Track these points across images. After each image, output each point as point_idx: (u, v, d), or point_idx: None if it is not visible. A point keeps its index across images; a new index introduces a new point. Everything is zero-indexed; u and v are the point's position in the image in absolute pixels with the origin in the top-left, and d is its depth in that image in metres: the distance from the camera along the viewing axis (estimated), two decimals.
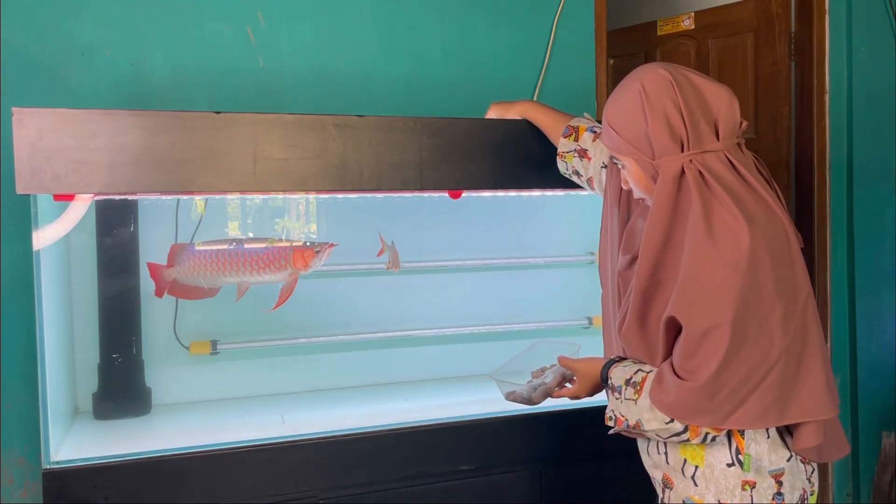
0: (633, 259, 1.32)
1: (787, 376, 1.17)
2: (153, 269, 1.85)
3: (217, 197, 1.94)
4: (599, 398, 1.40)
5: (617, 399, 1.29)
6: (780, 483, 1.23)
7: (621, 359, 1.34)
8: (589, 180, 1.63)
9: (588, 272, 2.36)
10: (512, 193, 2.02)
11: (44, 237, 1.62)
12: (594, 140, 1.60)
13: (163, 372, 2.01)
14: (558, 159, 1.69)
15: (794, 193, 2.92)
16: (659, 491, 1.34)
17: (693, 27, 3.27)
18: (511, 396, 1.53)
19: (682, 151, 1.21)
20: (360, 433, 1.74)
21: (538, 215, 2.30)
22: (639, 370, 1.28)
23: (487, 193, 2.00)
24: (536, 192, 1.99)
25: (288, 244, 1.87)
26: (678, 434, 1.22)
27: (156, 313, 1.99)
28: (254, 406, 2.00)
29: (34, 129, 1.46)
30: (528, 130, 1.77)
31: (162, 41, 2.03)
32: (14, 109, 1.46)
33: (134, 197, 1.82)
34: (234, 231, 2.04)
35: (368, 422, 1.80)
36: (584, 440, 1.86)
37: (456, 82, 2.29)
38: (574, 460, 1.89)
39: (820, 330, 1.23)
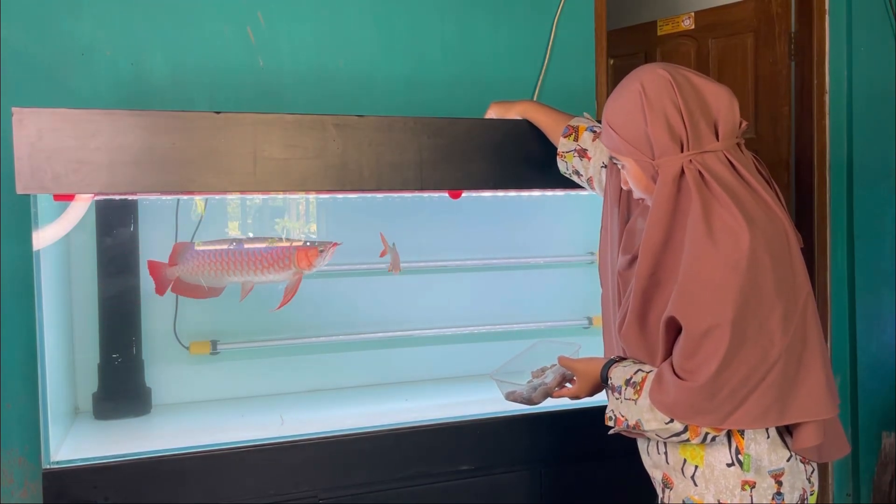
0: (633, 259, 1.32)
1: (787, 376, 1.18)
2: (154, 266, 1.85)
3: (217, 197, 1.94)
4: (599, 398, 1.40)
5: (617, 399, 1.29)
6: (779, 483, 1.23)
7: (621, 359, 1.34)
8: (589, 180, 1.63)
9: (588, 272, 2.36)
10: (512, 193, 2.02)
11: (44, 237, 1.62)
12: (594, 140, 1.60)
13: (163, 372, 2.01)
14: (558, 159, 1.69)
15: (794, 193, 2.92)
16: (659, 491, 1.34)
17: (693, 27, 3.27)
18: (511, 396, 1.53)
19: (682, 152, 1.21)
20: (360, 433, 1.74)
21: (538, 215, 2.30)
22: (639, 370, 1.28)
23: (487, 193, 2.00)
24: (536, 192, 1.99)
25: (292, 243, 1.87)
26: (678, 434, 1.22)
27: (156, 313, 1.99)
28: (254, 406, 2.00)
29: (34, 129, 1.46)
30: (528, 130, 1.77)
31: (162, 41, 2.03)
32: (14, 109, 1.46)
33: (134, 197, 1.82)
34: (234, 231, 2.04)
35: (368, 422, 1.80)
36: (584, 440, 1.86)
37: (456, 82, 2.29)
38: (574, 460, 1.89)
39: (820, 330, 1.23)
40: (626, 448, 1.44)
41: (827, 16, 2.76)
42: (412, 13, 2.25)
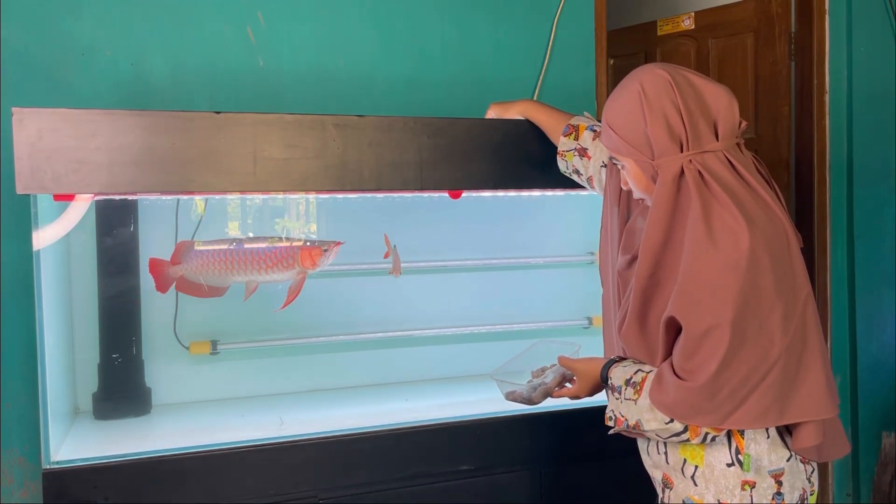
0: (633, 259, 1.32)
1: (787, 376, 1.18)
2: (156, 264, 1.84)
3: (217, 197, 1.94)
4: (599, 398, 1.40)
5: (617, 399, 1.29)
6: (779, 483, 1.23)
7: (621, 359, 1.34)
8: (589, 179, 1.63)
9: (588, 272, 2.36)
10: (512, 193, 2.02)
11: (44, 237, 1.62)
12: (594, 139, 1.60)
13: (163, 372, 2.01)
14: (559, 158, 1.69)
15: (794, 193, 2.92)
16: (659, 491, 1.34)
17: (693, 27, 3.27)
18: (511, 396, 1.53)
19: (682, 152, 1.21)
20: (360, 433, 1.74)
21: (538, 215, 2.30)
22: (639, 370, 1.28)
23: (487, 193, 2.00)
24: (536, 192, 1.99)
25: (296, 243, 1.87)
26: (678, 434, 1.22)
27: (156, 313, 1.99)
28: (254, 406, 2.00)
29: (34, 129, 1.46)
30: (528, 130, 1.77)
31: (162, 41, 2.03)
32: (14, 109, 1.46)
33: (134, 197, 1.82)
34: (234, 231, 2.04)
35: (368, 422, 1.80)
36: (584, 440, 1.86)
37: (456, 82, 2.29)
38: (574, 460, 1.89)
39: (820, 330, 1.23)
40: (626, 448, 1.44)
41: (827, 16, 2.76)
42: (412, 13, 2.25)
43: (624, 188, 1.36)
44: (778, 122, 2.96)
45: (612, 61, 3.21)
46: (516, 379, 1.55)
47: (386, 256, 2.00)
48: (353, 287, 2.17)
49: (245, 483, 1.64)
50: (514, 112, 1.79)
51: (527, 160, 1.78)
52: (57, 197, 1.58)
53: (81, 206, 1.69)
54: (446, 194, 1.86)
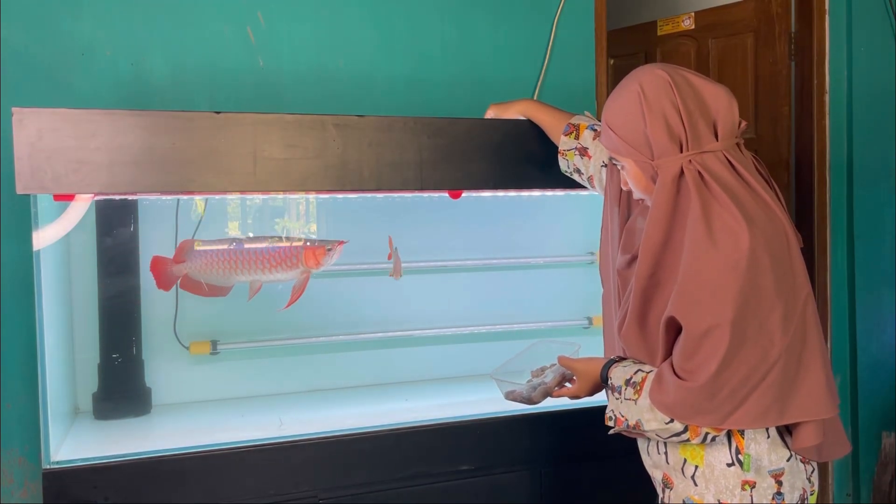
0: (633, 258, 1.32)
1: (787, 376, 1.18)
2: (159, 262, 1.84)
3: (217, 197, 1.94)
4: (599, 398, 1.40)
5: (617, 399, 1.29)
6: (779, 483, 1.23)
7: (621, 359, 1.34)
8: (589, 178, 1.63)
9: (588, 272, 2.36)
10: (512, 193, 2.02)
11: (44, 237, 1.62)
12: (594, 138, 1.60)
13: (163, 372, 2.01)
14: (559, 157, 1.69)
15: (794, 193, 2.92)
16: (659, 491, 1.34)
17: (693, 27, 3.27)
18: (511, 396, 1.53)
19: (681, 152, 1.21)
20: (360, 433, 1.74)
21: (538, 215, 2.30)
22: (639, 370, 1.28)
23: (487, 193, 2.00)
24: (536, 192, 1.99)
25: (296, 243, 1.87)
26: (678, 434, 1.22)
27: (156, 313, 1.99)
28: (254, 406, 2.00)
29: (34, 129, 1.46)
30: (528, 130, 1.77)
31: (162, 41, 2.03)
32: (14, 109, 1.46)
33: (134, 197, 1.82)
34: (234, 231, 2.04)
35: (368, 422, 1.80)
36: (584, 440, 1.86)
37: (456, 82, 2.29)
38: (574, 460, 1.89)
39: (820, 330, 1.23)
40: (626, 448, 1.44)
41: (827, 16, 2.76)
42: (412, 13, 2.25)
43: (624, 188, 1.36)
44: (778, 122, 2.96)
45: (612, 61, 3.21)
46: (516, 378, 1.55)
47: (390, 257, 2.00)
48: (353, 287, 2.17)
49: (245, 483, 1.64)
50: (514, 112, 1.79)
51: (527, 160, 1.78)
52: (57, 197, 1.58)
53: (81, 206, 1.69)
54: (446, 194, 1.86)
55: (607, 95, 1.57)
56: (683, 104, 1.21)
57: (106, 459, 1.58)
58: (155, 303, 1.97)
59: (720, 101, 1.23)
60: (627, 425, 1.27)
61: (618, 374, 1.30)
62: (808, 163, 2.82)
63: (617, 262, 1.39)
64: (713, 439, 1.21)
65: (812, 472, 1.28)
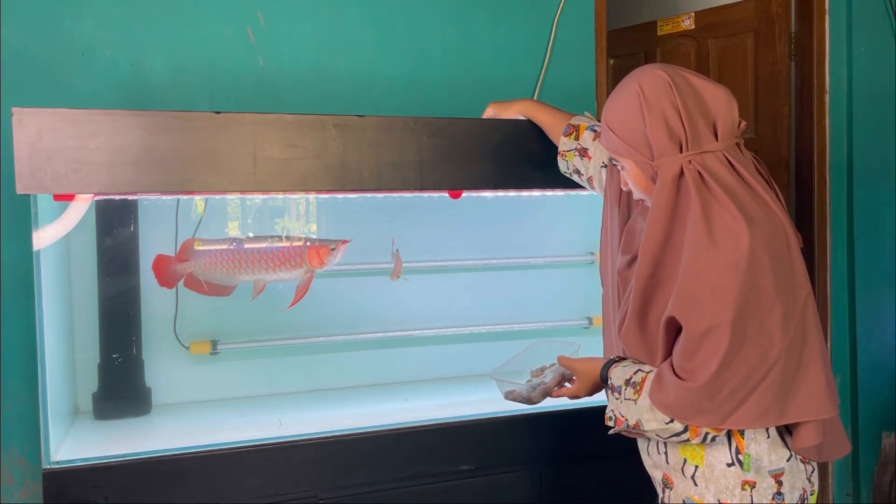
0: (633, 259, 1.32)
1: (787, 376, 1.18)
2: (162, 260, 1.84)
3: (217, 197, 1.94)
4: (599, 398, 1.40)
5: (617, 399, 1.29)
6: (779, 483, 1.23)
7: (621, 359, 1.34)
8: (589, 179, 1.63)
9: (588, 272, 2.36)
10: (512, 193, 2.02)
11: (44, 237, 1.62)
12: (594, 139, 1.60)
13: (163, 372, 2.01)
14: (559, 158, 1.69)
15: (794, 193, 2.92)
16: (659, 491, 1.34)
17: (693, 27, 3.27)
18: (510, 395, 1.53)
19: (681, 152, 1.21)
20: (360, 433, 1.74)
21: (538, 215, 2.30)
22: (638, 370, 1.28)
23: (487, 193, 2.00)
24: (536, 192, 1.99)
25: (296, 242, 1.87)
26: (678, 434, 1.22)
27: (156, 313, 1.99)
28: (254, 406, 2.00)
29: (34, 129, 1.46)
30: (529, 130, 1.77)
31: (162, 41, 2.03)
32: (14, 109, 1.46)
33: (134, 197, 1.82)
34: (234, 231, 2.04)
35: (368, 422, 1.80)
36: (584, 440, 1.86)
37: (456, 82, 2.29)
38: (574, 460, 1.89)
39: (820, 330, 1.23)
40: (626, 448, 1.44)
41: (827, 16, 2.76)
42: (412, 13, 2.25)
43: (624, 189, 1.36)
44: (778, 122, 2.96)
45: (612, 61, 3.21)
46: (516, 378, 1.55)
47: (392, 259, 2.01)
48: (353, 287, 2.17)
49: (245, 483, 1.64)
50: (514, 111, 1.79)
51: (527, 160, 1.78)
52: (57, 197, 1.58)
53: (81, 206, 1.69)
54: (446, 194, 1.86)
55: (607, 95, 1.57)
56: (683, 104, 1.21)
57: (106, 459, 1.58)
58: (155, 303, 1.97)
59: (720, 102, 1.23)
60: (627, 425, 1.27)
61: (617, 374, 1.30)
62: (808, 163, 2.82)
63: (617, 262, 1.39)
64: (713, 439, 1.21)
65: (812, 472, 1.28)
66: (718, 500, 1.23)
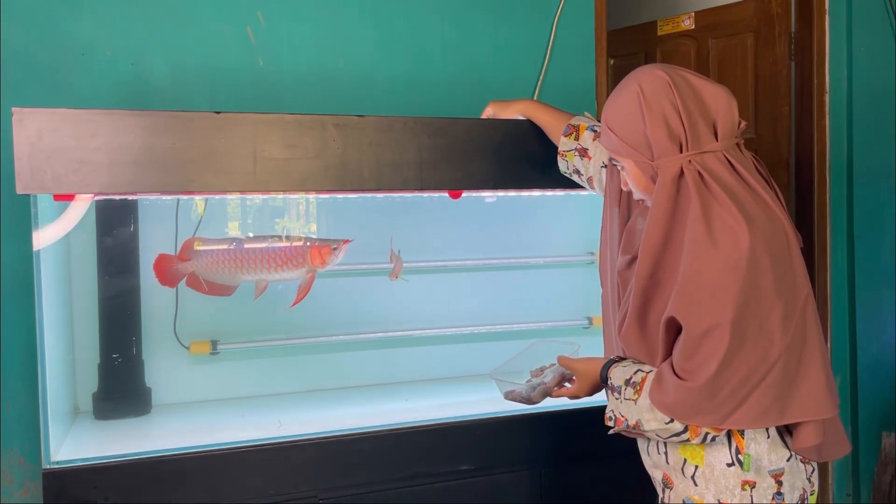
0: (633, 259, 1.32)
1: (787, 376, 1.18)
2: (164, 259, 1.84)
3: (217, 197, 1.94)
4: (599, 398, 1.40)
5: (617, 399, 1.29)
6: (779, 483, 1.23)
7: (621, 359, 1.34)
8: (589, 179, 1.63)
9: (588, 272, 2.36)
10: (512, 193, 2.02)
11: (44, 237, 1.62)
12: (594, 139, 1.60)
13: (163, 372, 2.01)
14: (559, 158, 1.69)
15: (794, 193, 2.92)
16: (659, 491, 1.34)
17: (693, 27, 3.27)
18: (510, 395, 1.53)
19: (681, 152, 1.21)
20: (360, 433, 1.74)
21: (538, 215, 2.30)
22: (638, 370, 1.28)
23: (487, 193, 2.00)
24: (536, 192, 1.99)
25: (300, 242, 1.87)
26: (678, 434, 1.22)
27: (156, 313, 1.99)
28: (254, 406, 2.00)
29: (34, 129, 1.46)
30: (529, 130, 1.77)
31: (162, 41, 2.03)
32: (14, 109, 1.46)
33: (134, 197, 1.82)
34: (234, 231, 2.04)
35: (368, 422, 1.80)
36: (584, 440, 1.86)
37: (456, 82, 2.29)
38: (574, 460, 1.89)
39: (820, 330, 1.23)
40: (626, 448, 1.44)
41: (827, 16, 2.76)
42: (412, 13, 2.25)
43: (624, 189, 1.36)
44: (778, 122, 2.96)
45: (612, 61, 3.21)
46: (515, 378, 1.55)
47: (392, 259, 2.01)
48: (353, 287, 2.17)
49: (245, 483, 1.64)
50: (513, 111, 1.79)
51: (527, 160, 1.78)
52: (57, 197, 1.58)
53: (81, 206, 1.69)
54: (446, 194, 1.86)
55: (607, 95, 1.57)
56: (683, 104, 1.21)
57: (106, 459, 1.58)
58: (155, 303, 1.97)
59: (720, 102, 1.23)
60: (627, 425, 1.27)
61: (617, 374, 1.30)
62: (808, 163, 2.82)
63: (617, 262, 1.39)
64: (713, 439, 1.21)
65: (812, 472, 1.28)
66: (718, 500, 1.23)
